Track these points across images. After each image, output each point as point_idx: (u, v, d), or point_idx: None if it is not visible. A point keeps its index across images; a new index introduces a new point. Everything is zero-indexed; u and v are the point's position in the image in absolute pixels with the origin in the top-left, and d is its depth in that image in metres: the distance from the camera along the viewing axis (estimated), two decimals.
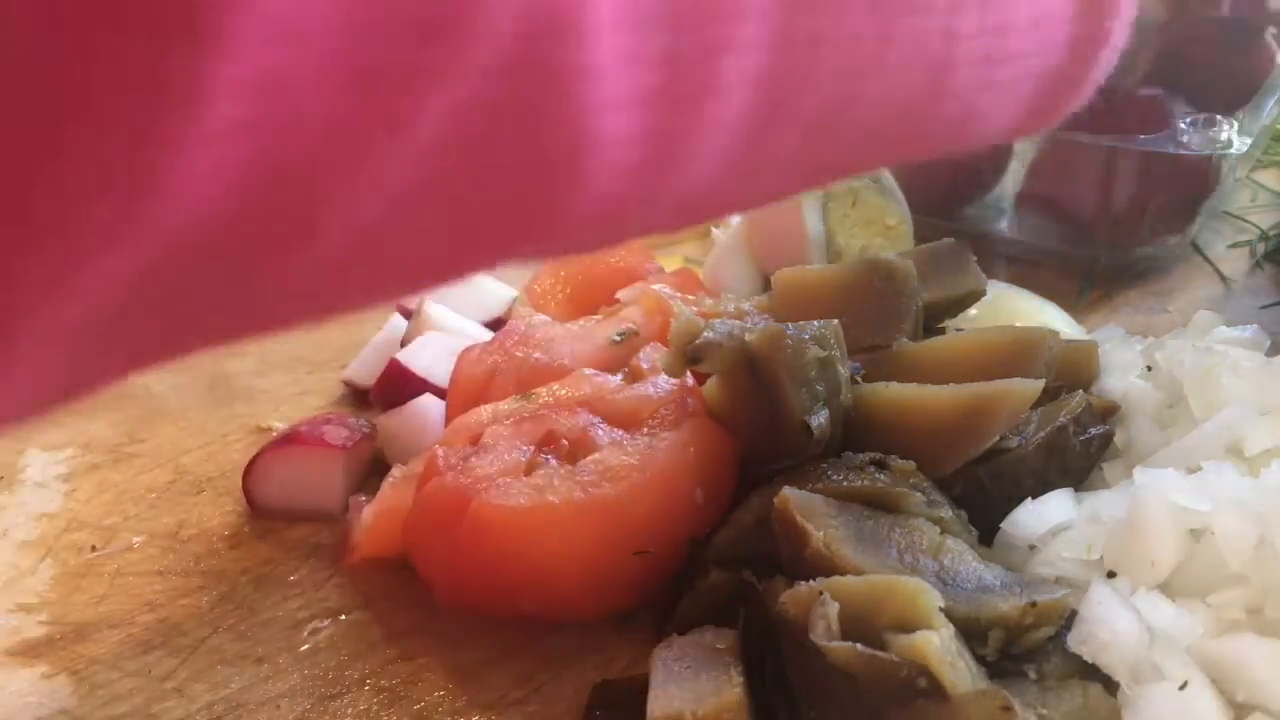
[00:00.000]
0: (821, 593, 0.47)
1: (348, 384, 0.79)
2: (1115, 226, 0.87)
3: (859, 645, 0.45)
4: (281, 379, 0.80)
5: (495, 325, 0.80)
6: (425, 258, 0.28)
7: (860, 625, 0.46)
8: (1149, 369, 0.65)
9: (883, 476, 0.55)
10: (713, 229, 0.89)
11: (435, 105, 0.23)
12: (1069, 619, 0.49)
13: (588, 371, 0.65)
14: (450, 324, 0.79)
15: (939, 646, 0.44)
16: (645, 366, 0.65)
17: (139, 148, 0.19)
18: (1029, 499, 0.57)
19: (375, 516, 0.62)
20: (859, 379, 0.61)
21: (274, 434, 0.72)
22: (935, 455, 0.57)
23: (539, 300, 0.80)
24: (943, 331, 0.71)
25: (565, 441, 0.60)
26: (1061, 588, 0.50)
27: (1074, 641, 0.48)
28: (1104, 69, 0.46)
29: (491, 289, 0.84)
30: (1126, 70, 0.74)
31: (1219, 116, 0.81)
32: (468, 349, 0.71)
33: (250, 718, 0.54)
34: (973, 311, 0.71)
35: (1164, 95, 0.86)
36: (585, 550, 0.55)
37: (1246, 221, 0.95)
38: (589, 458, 0.57)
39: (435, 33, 0.22)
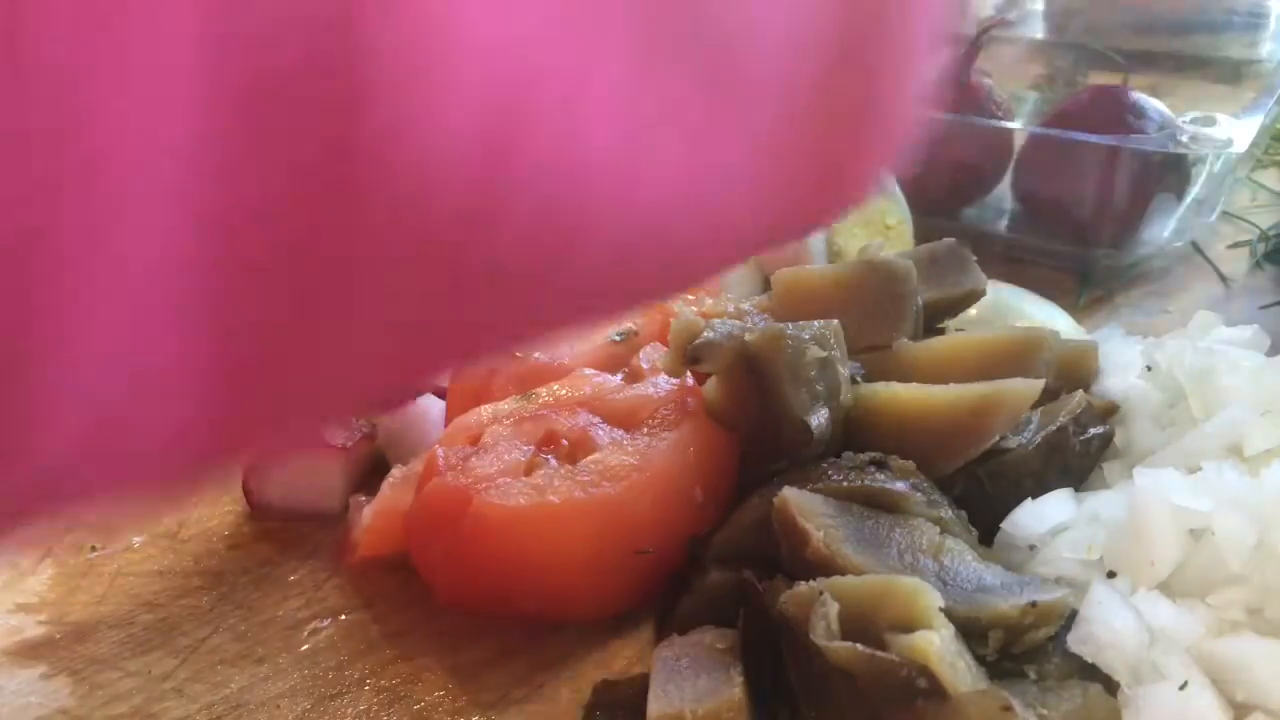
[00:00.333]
0: (821, 593, 0.47)
1: None
2: (1114, 226, 0.87)
3: (859, 645, 0.45)
4: None
5: None
6: None
7: (860, 625, 0.46)
8: (1149, 369, 0.65)
9: (883, 476, 0.55)
10: None
11: None
12: (1069, 619, 0.49)
13: (588, 371, 0.65)
14: None
15: (939, 646, 0.44)
16: (645, 366, 0.65)
17: None
18: (1029, 499, 0.57)
19: (375, 516, 0.62)
20: (859, 379, 0.61)
21: None
22: (935, 455, 0.57)
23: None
24: (943, 331, 0.71)
25: (565, 441, 0.60)
26: (1061, 588, 0.50)
27: (1074, 641, 0.48)
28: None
29: None
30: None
31: (1216, 116, 0.81)
32: None
33: (250, 718, 0.54)
34: (973, 311, 0.71)
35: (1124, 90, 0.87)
36: (585, 550, 0.55)
37: (1246, 221, 0.95)
38: (589, 458, 0.57)
39: None
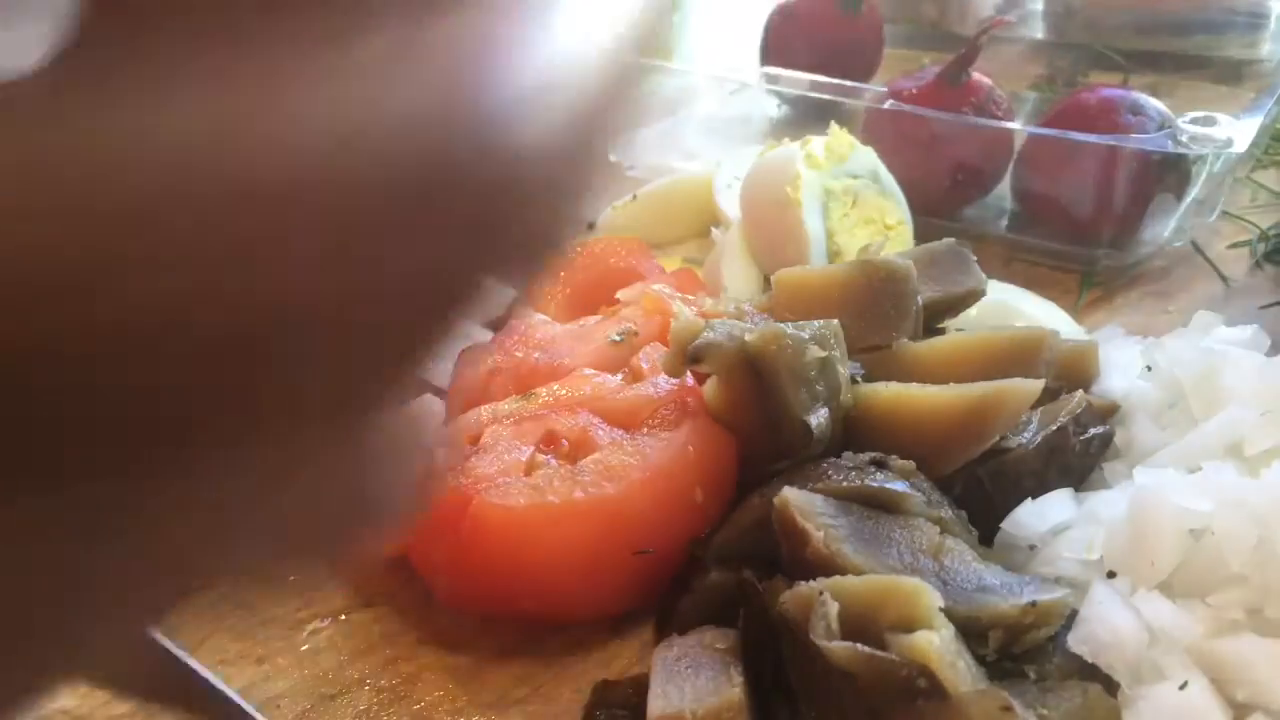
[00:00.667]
0: (821, 593, 0.47)
1: None
2: (1114, 226, 0.87)
3: (859, 645, 0.45)
4: None
5: (495, 325, 0.80)
6: None
7: (860, 625, 0.46)
8: (1149, 369, 0.65)
9: (882, 476, 0.55)
10: (712, 229, 0.89)
11: None
12: (1069, 619, 0.49)
13: (588, 371, 0.65)
14: None
15: (939, 646, 0.44)
16: (645, 366, 0.65)
17: None
18: (1029, 499, 0.57)
19: None
20: (859, 379, 0.61)
21: None
22: (935, 455, 0.57)
23: (539, 300, 0.80)
24: (943, 331, 0.71)
25: (565, 441, 0.60)
26: (1061, 588, 0.50)
27: (1074, 641, 0.48)
28: None
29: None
30: None
31: (1216, 116, 0.81)
32: (467, 349, 0.71)
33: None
34: (973, 311, 0.71)
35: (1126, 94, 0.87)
36: (585, 550, 0.55)
37: (1246, 221, 0.94)
38: (589, 457, 0.57)
39: None
